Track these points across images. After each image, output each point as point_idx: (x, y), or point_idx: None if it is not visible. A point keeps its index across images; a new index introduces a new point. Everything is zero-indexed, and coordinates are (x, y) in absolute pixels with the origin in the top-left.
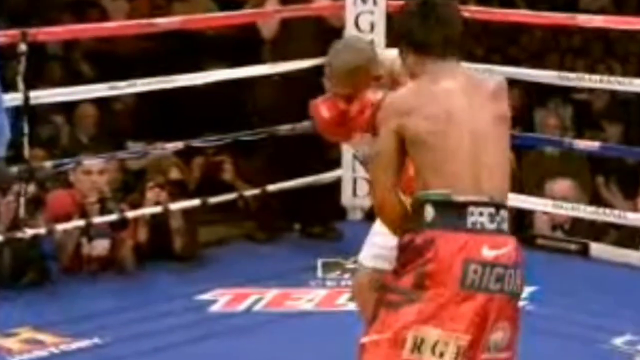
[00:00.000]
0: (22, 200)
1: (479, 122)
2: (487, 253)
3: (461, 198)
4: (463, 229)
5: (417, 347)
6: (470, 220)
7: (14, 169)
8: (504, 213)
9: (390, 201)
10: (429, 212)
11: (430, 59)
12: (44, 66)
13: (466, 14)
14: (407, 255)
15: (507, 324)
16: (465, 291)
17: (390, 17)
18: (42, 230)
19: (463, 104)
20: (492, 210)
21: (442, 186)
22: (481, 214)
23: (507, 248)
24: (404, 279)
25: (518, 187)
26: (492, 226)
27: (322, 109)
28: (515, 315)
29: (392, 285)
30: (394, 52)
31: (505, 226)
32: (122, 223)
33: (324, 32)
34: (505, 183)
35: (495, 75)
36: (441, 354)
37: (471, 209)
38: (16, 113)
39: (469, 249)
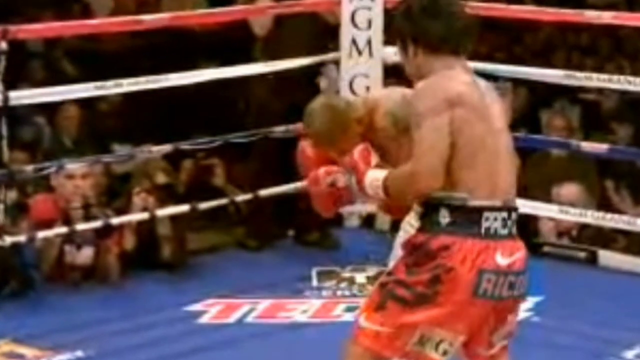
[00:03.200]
0: (1, 206)
1: (497, 119)
2: (501, 261)
3: (477, 203)
4: (478, 235)
5: (421, 343)
6: (484, 225)
7: None
8: (514, 216)
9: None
10: (444, 215)
11: (443, 56)
12: (25, 65)
13: (469, 10)
14: (419, 256)
15: (513, 316)
16: (477, 299)
17: (387, 13)
18: (22, 238)
19: (488, 99)
20: (505, 214)
21: (461, 188)
22: (495, 219)
23: (518, 254)
24: (417, 278)
25: (522, 191)
26: (505, 231)
27: (307, 148)
28: (519, 308)
29: (405, 281)
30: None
31: (515, 229)
32: (107, 230)
33: (319, 29)
34: (514, 182)
35: None
36: (444, 352)
37: (486, 214)
38: None
39: (484, 258)
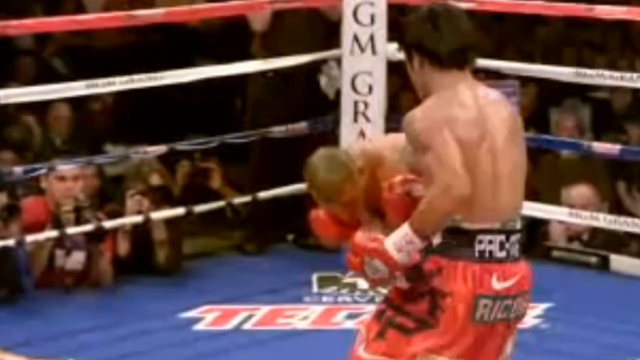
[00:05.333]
0: None
1: (499, 138)
2: (497, 286)
3: (473, 226)
4: (470, 258)
5: None
6: (478, 248)
7: None
8: (514, 238)
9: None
10: (436, 236)
11: (448, 71)
12: (14, 62)
13: (475, 5)
14: (414, 278)
15: (512, 335)
16: (475, 324)
17: (391, 8)
18: (10, 242)
19: (493, 118)
20: (502, 238)
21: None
22: (491, 242)
23: (516, 278)
24: (416, 306)
25: (532, 194)
26: (502, 254)
27: (320, 212)
28: (516, 327)
29: (404, 309)
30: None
31: (515, 251)
32: (100, 234)
33: (319, 25)
34: (519, 201)
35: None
36: None
37: (480, 237)
38: None
39: (479, 282)
